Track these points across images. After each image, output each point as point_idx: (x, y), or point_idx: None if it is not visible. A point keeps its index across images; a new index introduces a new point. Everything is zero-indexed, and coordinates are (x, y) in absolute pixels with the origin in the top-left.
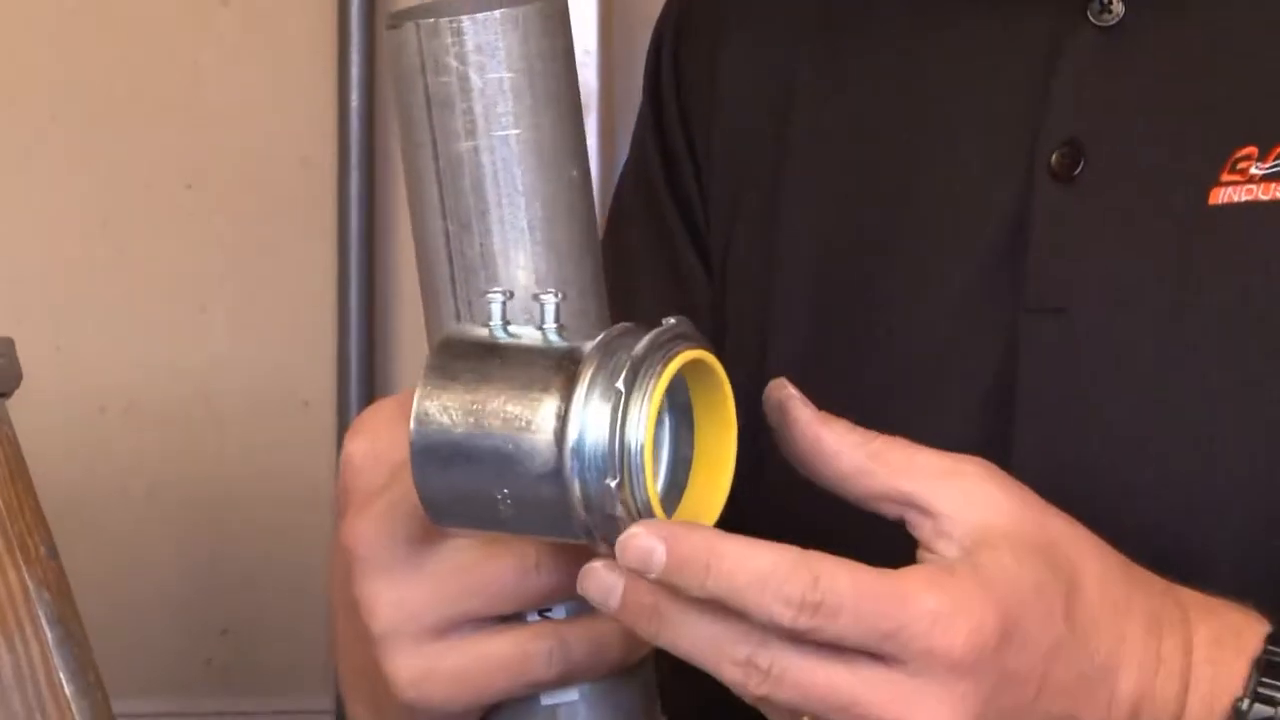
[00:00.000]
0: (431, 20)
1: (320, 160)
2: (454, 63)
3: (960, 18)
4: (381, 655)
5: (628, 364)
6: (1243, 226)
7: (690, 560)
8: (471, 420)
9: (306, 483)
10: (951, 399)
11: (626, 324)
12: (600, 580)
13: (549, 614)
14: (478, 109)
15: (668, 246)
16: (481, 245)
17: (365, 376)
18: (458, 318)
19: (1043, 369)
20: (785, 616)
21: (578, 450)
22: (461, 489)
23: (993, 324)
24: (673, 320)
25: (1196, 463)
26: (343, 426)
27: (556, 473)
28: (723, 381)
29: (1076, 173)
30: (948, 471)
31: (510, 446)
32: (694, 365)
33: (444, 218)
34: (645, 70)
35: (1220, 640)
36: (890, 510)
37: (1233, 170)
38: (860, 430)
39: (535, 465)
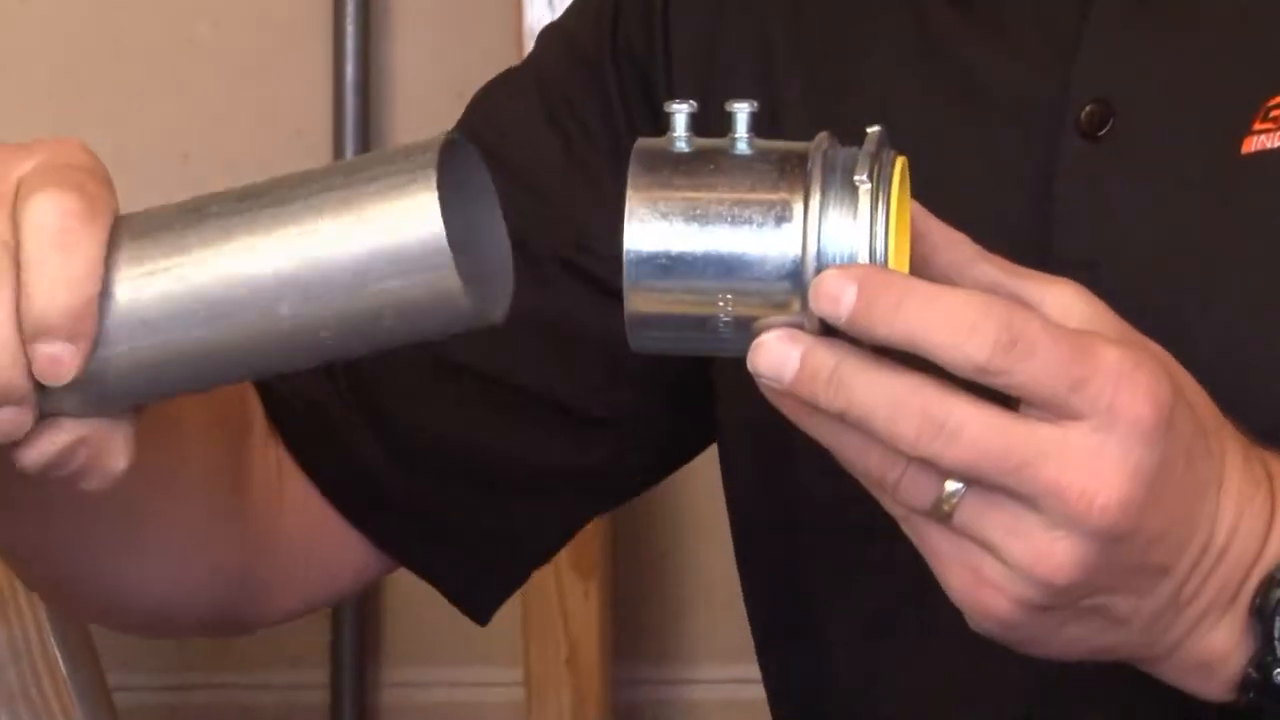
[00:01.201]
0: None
1: (314, 131)
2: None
3: None
4: None
5: (866, 159)
6: (1277, 172)
7: (882, 297)
8: (697, 225)
9: None
10: None
11: (823, 132)
12: (775, 352)
13: None
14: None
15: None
16: (182, 233)
17: None
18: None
19: None
20: (980, 355)
21: (821, 252)
22: (680, 301)
23: None
24: (878, 127)
25: (1233, 405)
26: None
27: (794, 274)
28: (908, 189)
29: (1105, 130)
30: (1052, 279)
31: (743, 249)
32: None
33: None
34: (579, 23)
35: None
36: None
37: (1265, 119)
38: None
39: (770, 266)
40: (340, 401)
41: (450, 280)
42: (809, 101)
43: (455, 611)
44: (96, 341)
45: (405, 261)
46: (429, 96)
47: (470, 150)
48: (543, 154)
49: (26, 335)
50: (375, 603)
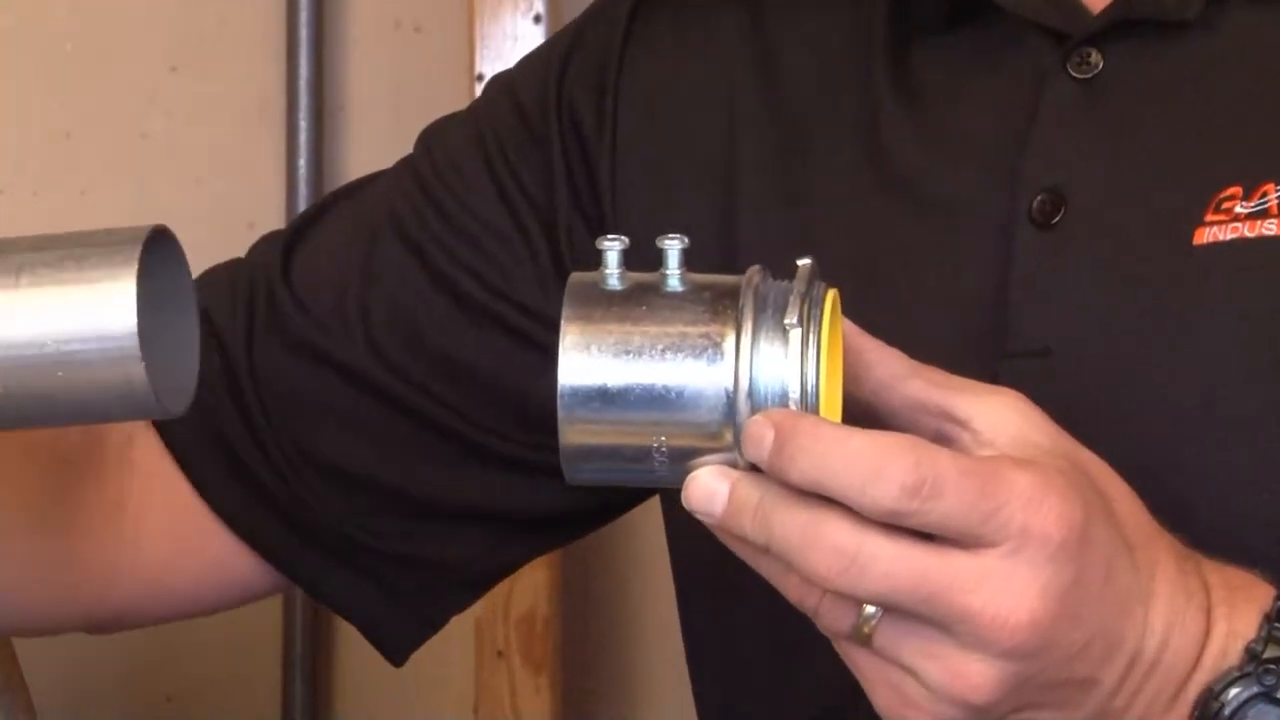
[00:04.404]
0: None
1: (267, 224)
2: None
3: (935, 74)
4: None
5: (796, 299)
6: (1230, 263)
7: (791, 443)
8: (631, 361)
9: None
10: None
11: (754, 266)
12: (706, 486)
13: None
14: None
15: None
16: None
17: None
18: None
19: None
20: (887, 500)
21: (753, 390)
22: (613, 440)
23: (975, 372)
24: (808, 260)
25: (1182, 501)
26: None
27: (727, 410)
28: (840, 317)
29: (1057, 220)
30: (986, 390)
31: (677, 385)
32: None
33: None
34: (525, 82)
35: (1232, 587)
36: (927, 423)
37: (1217, 210)
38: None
39: (702, 410)
40: (239, 416)
41: (132, 357)
42: (768, 205)
43: (409, 713)
44: None
45: (94, 330)
46: None
47: (177, 246)
48: (479, 205)
49: None
50: (326, 707)
